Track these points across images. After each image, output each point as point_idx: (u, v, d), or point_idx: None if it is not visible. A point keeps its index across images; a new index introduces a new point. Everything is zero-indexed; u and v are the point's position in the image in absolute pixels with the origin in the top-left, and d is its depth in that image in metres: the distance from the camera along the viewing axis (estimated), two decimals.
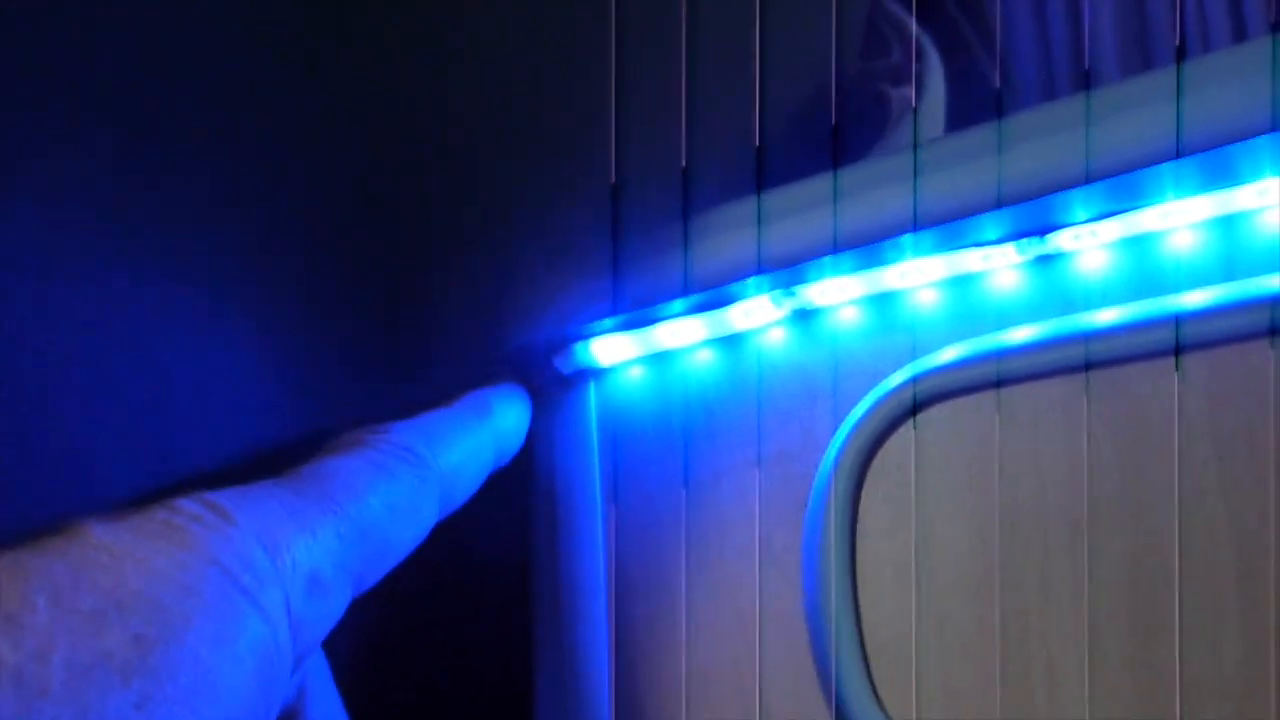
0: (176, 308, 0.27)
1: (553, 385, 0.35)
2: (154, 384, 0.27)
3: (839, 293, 0.31)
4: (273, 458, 0.29)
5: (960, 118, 0.57)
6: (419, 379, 0.33)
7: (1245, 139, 0.26)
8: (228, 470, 0.29)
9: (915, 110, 0.54)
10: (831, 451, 0.30)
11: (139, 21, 0.24)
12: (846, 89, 0.49)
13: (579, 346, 0.34)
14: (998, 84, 0.55)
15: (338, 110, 0.29)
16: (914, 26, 0.58)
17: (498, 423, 0.32)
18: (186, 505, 0.23)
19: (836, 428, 0.31)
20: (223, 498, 0.24)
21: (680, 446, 0.34)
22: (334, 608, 0.25)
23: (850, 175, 0.30)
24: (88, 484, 0.26)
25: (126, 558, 0.21)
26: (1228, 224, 0.28)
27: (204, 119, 0.27)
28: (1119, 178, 0.27)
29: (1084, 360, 0.28)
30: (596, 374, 0.35)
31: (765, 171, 0.35)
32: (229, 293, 0.28)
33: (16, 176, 0.23)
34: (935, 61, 0.58)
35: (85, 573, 0.20)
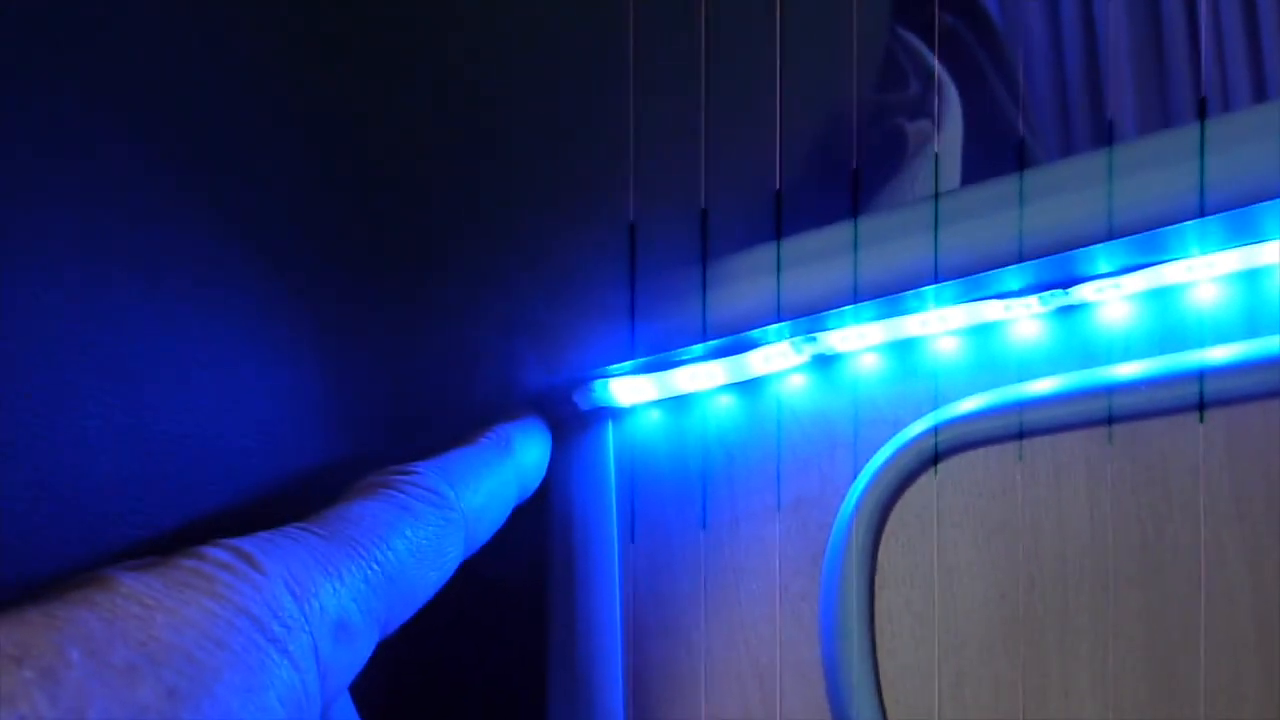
0: (200, 343, 0.27)
1: (571, 421, 0.35)
2: (179, 420, 0.27)
3: (859, 339, 0.31)
4: (298, 492, 0.30)
5: (977, 150, 0.57)
6: (438, 415, 0.33)
7: (1268, 199, 0.26)
8: (253, 506, 0.29)
9: (936, 146, 0.54)
10: (851, 499, 0.30)
11: (174, 37, 0.24)
12: (863, 122, 0.49)
13: (598, 384, 0.34)
14: (1021, 131, 0.55)
15: (357, 149, 0.29)
16: (933, 59, 0.58)
17: (520, 459, 0.32)
18: (214, 553, 0.23)
19: (856, 475, 0.31)
20: (250, 544, 0.24)
21: (698, 490, 0.34)
22: (361, 652, 0.25)
23: (871, 224, 0.30)
24: (114, 521, 0.26)
25: (157, 609, 0.21)
26: (1251, 278, 0.28)
27: (227, 154, 0.27)
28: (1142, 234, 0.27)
29: (1106, 413, 0.28)
30: (615, 413, 0.35)
31: (781, 208, 0.35)
32: (253, 327, 0.28)
33: (46, 219, 0.23)
34: (952, 93, 0.58)
35: (118, 624, 0.20)
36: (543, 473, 0.33)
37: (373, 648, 0.26)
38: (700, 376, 0.33)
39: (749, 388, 0.34)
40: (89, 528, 0.25)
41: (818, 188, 0.42)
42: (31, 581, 0.24)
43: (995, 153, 0.58)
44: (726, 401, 0.34)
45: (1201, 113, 0.26)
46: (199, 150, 0.26)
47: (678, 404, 0.35)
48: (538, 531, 0.35)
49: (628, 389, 0.34)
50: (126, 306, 0.25)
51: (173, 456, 0.27)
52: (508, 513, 0.31)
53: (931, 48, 0.58)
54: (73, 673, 0.19)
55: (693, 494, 0.34)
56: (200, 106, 0.26)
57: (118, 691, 0.19)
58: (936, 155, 0.52)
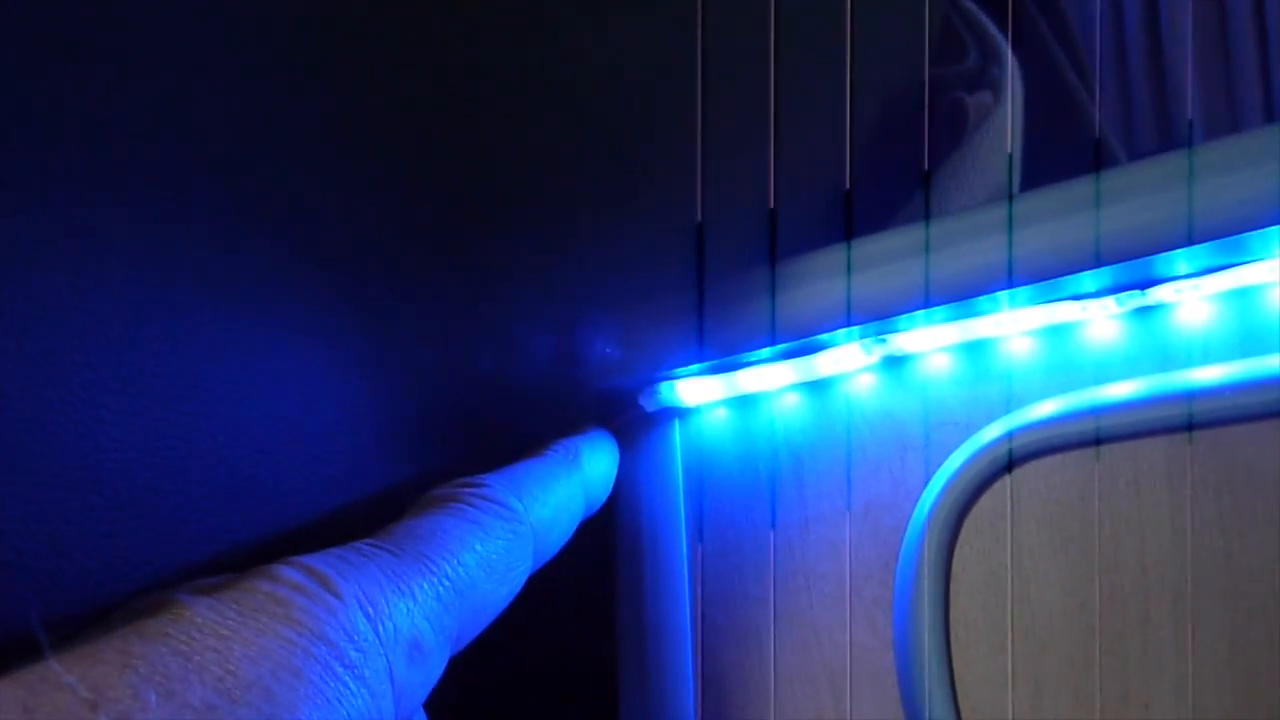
0: (275, 359, 0.27)
1: (637, 424, 0.35)
2: (248, 435, 0.27)
3: (931, 340, 0.31)
4: (372, 503, 0.30)
5: (1039, 121, 0.56)
6: (506, 420, 0.33)
7: None
8: (329, 519, 0.29)
9: (994, 118, 0.53)
10: (924, 504, 0.30)
11: (215, 35, 0.24)
12: (924, 99, 0.48)
13: (664, 386, 0.34)
14: (1096, 131, 0.54)
15: (423, 163, 0.29)
16: (993, 27, 0.57)
17: (587, 472, 0.32)
18: (288, 573, 0.23)
19: (927, 479, 0.30)
20: (323, 563, 0.24)
21: (766, 491, 0.33)
22: (434, 671, 0.25)
23: (944, 226, 0.29)
24: (195, 536, 0.26)
25: (234, 639, 0.21)
26: None
27: (304, 182, 0.26)
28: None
29: (1187, 419, 0.27)
30: (681, 413, 0.35)
31: (852, 207, 0.34)
32: (327, 341, 0.28)
33: (129, 230, 0.23)
34: (1012, 63, 0.57)
35: (194, 659, 0.20)
36: (610, 487, 0.33)
37: (444, 665, 0.26)
38: (768, 376, 0.33)
39: (817, 387, 0.33)
40: (171, 543, 0.25)
41: (878, 171, 0.41)
42: (112, 597, 0.24)
43: (1058, 125, 0.57)
44: (794, 401, 0.33)
45: None
46: (264, 163, 0.26)
47: (745, 402, 0.34)
48: (605, 535, 0.35)
49: (694, 389, 0.34)
50: (200, 324, 0.25)
51: (253, 473, 0.27)
52: (575, 526, 0.31)
53: (990, 15, 0.57)
54: (149, 716, 0.19)
55: (761, 495, 0.33)
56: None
57: None
58: (995, 122, 0.51)
